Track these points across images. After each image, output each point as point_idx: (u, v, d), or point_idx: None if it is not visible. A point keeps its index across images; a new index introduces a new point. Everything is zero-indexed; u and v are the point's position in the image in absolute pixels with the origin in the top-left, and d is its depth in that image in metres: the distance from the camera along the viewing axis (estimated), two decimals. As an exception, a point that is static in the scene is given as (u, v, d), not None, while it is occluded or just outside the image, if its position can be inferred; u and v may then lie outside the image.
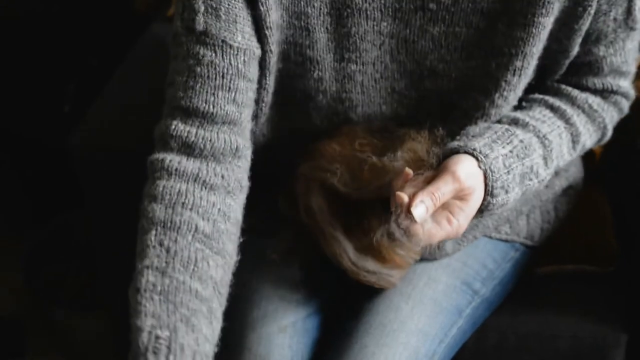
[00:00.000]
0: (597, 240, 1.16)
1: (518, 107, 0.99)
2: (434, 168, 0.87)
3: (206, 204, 0.85)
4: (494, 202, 0.88)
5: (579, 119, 0.98)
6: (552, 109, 0.97)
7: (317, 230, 0.98)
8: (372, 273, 0.98)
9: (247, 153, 0.91)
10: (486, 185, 0.87)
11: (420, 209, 0.81)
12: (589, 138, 0.99)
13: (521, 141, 0.90)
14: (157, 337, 0.75)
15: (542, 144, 0.92)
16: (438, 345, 0.99)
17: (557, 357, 1.09)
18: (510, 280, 1.10)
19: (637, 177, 1.15)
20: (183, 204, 0.84)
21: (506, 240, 1.10)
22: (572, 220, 1.14)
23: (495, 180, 0.87)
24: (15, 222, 1.86)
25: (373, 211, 0.94)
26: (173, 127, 0.88)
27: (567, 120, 0.97)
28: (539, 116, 0.95)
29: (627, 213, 1.18)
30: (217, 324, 0.81)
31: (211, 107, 0.87)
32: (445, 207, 0.85)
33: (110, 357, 1.61)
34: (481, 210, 0.88)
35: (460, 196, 0.85)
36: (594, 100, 1.00)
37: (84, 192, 1.51)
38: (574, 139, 0.97)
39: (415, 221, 0.81)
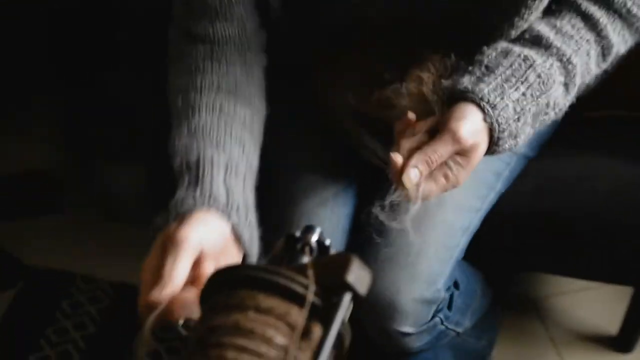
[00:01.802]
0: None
1: (548, 10, 0.90)
2: (439, 109, 0.83)
3: (225, 67, 0.87)
4: (500, 149, 0.83)
5: (612, 28, 0.88)
6: (584, 17, 0.87)
7: (341, 128, 0.98)
8: None
9: (260, 33, 0.91)
10: (491, 137, 0.81)
11: (413, 175, 0.78)
12: (623, 45, 0.90)
13: (539, 76, 0.83)
14: (188, 162, 0.80)
15: (565, 69, 0.85)
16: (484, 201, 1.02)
17: (596, 197, 1.08)
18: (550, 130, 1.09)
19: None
20: (203, 67, 0.86)
21: None
22: (624, 66, 1.11)
23: (502, 132, 0.81)
24: (52, 82, 1.87)
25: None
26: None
27: (598, 33, 0.87)
28: (566, 29, 0.87)
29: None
30: (253, 156, 0.85)
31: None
32: (444, 162, 0.81)
33: (147, 210, 1.64)
34: (488, 154, 0.84)
35: (461, 152, 0.80)
36: (635, 1, 0.88)
37: (120, 49, 1.50)
38: (605, 52, 0.89)
39: (406, 187, 0.78)
